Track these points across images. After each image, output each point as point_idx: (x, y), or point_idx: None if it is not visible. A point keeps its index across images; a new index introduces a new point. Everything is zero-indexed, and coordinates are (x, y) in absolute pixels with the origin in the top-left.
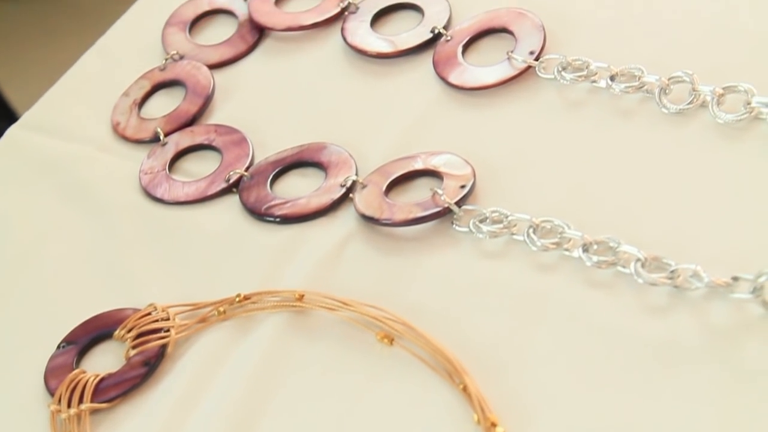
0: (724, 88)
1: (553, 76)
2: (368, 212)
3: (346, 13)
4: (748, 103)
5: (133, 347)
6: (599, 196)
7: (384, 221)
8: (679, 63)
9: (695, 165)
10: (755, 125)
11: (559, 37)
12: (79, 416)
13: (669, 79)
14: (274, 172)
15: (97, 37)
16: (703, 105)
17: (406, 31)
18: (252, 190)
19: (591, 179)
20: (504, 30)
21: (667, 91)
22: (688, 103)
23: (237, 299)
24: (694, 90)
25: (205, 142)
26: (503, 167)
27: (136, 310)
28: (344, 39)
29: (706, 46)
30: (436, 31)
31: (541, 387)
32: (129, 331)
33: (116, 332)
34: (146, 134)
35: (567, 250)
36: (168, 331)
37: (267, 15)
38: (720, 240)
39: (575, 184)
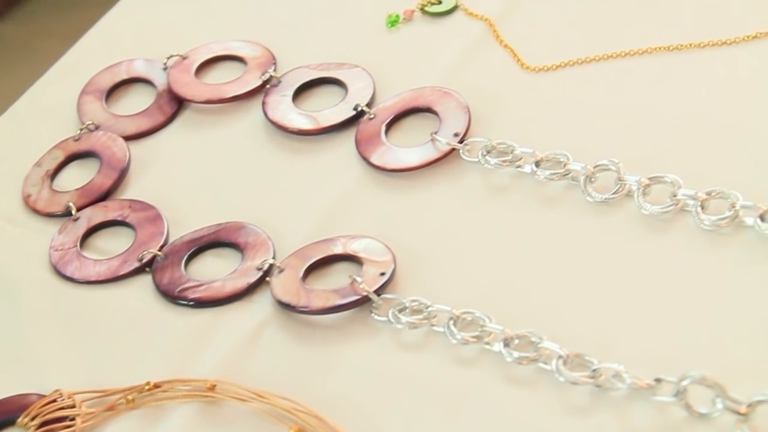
0: (650, 179)
1: (477, 160)
2: (285, 298)
3: (268, 86)
4: (674, 195)
5: None
6: (522, 287)
7: (301, 309)
8: (606, 151)
9: (620, 257)
10: (681, 217)
11: (485, 119)
12: None
13: (595, 167)
14: (189, 252)
15: (10, 102)
16: (629, 195)
17: (328, 107)
18: (166, 271)
19: (514, 269)
20: (428, 110)
21: (592, 179)
22: (614, 193)
23: (146, 387)
24: (619, 179)
25: (119, 219)
26: (425, 253)
27: (40, 396)
28: (265, 113)
29: (633, 134)
30: (359, 109)
31: None
32: (33, 419)
33: (19, 419)
34: (58, 208)
35: (488, 343)
36: (73, 419)
37: (186, 86)
38: (644, 337)
39: (498, 274)
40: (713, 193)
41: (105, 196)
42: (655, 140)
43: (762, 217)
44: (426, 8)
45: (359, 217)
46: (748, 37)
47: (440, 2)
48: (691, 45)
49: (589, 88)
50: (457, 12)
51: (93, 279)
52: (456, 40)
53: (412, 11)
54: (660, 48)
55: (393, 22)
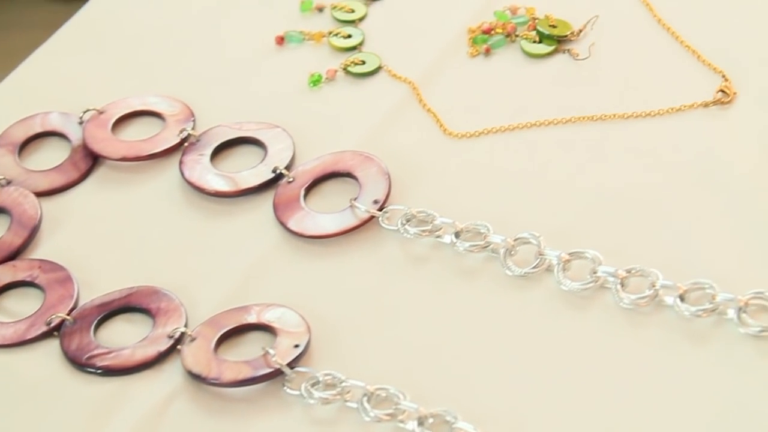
0: (570, 254)
1: (396, 228)
2: (196, 369)
3: (186, 144)
4: (594, 272)
5: None
6: (439, 362)
7: (212, 381)
8: (528, 222)
9: (538, 334)
10: (601, 295)
11: (406, 185)
12: None
13: (515, 240)
14: (99, 317)
15: None
16: (549, 269)
17: (247, 169)
18: (74, 336)
19: (432, 343)
20: (348, 174)
21: (512, 252)
22: (534, 267)
23: None
24: (540, 254)
25: (28, 279)
26: (341, 324)
27: None
28: (182, 173)
29: (555, 206)
30: (278, 171)
31: None
32: None
33: None
34: None
35: (401, 422)
36: None
37: (102, 142)
38: (561, 417)
39: (415, 347)
40: (633, 271)
41: (14, 255)
42: (577, 213)
43: (681, 298)
44: (349, 68)
45: (275, 284)
46: (671, 109)
47: (363, 63)
48: (614, 116)
49: (511, 156)
50: (381, 73)
51: None
52: (379, 103)
53: (335, 71)
54: (583, 118)
55: (315, 81)
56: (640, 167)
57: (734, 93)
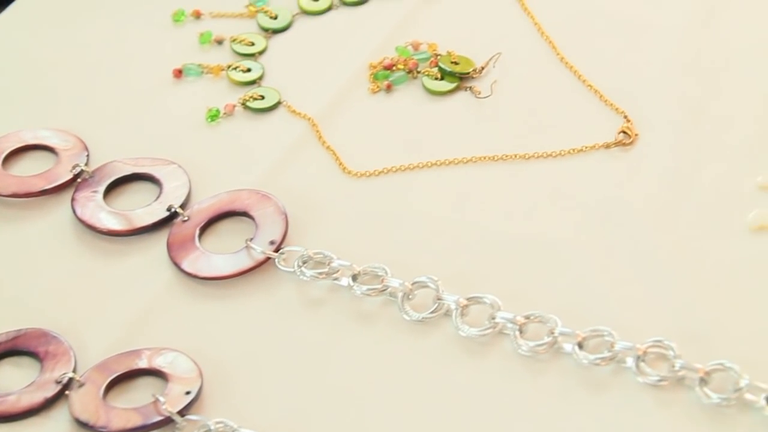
0: (468, 299)
1: (293, 270)
2: (83, 417)
3: (79, 179)
4: (493, 318)
5: None
6: (334, 408)
7: (100, 429)
8: (427, 264)
9: (435, 380)
10: (499, 341)
11: (304, 225)
12: None
13: (413, 284)
14: None
15: None
16: (447, 314)
17: (141, 207)
18: None
19: (326, 388)
20: (245, 214)
21: (410, 296)
22: (432, 312)
23: None
24: (438, 298)
25: None
26: (235, 369)
27: None
28: (74, 211)
29: (455, 248)
30: (173, 210)
31: None
32: None
33: None
34: None
35: None
36: None
37: None
38: None
39: (310, 393)
40: (532, 317)
41: None
42: (477, 255)
43: (580, 345)
44: (248, 103)
45: (168, 327)
46: (573, 150)
47: (262, 98)
48: (516, 156)
49: (411, 196)
50: (280, 109)
51: None
52: (277, 139)
53: (234, 106)
54: (484, 158)
55: (213, 116)
56: (541, 209)
57: (636, 134)
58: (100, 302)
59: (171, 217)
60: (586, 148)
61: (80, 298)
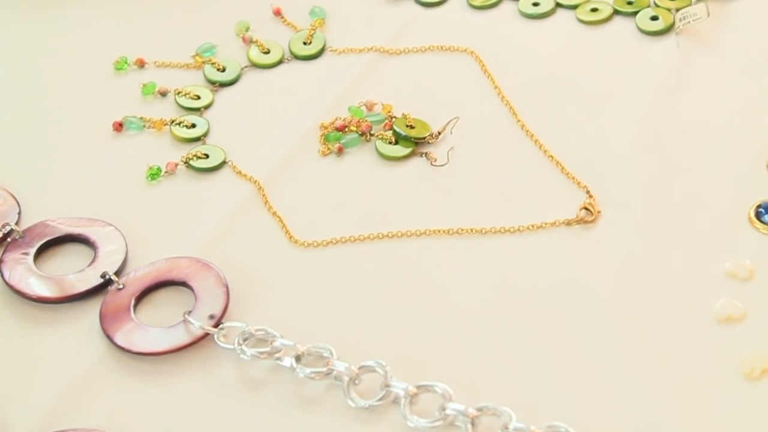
0: (418, 387)
1: (233, 347)
2: None
3: (8, 240)
4: (443, 409)
5: None
6: None
7: None
8: (375, 346)
9: None
10: None
11: (246, 297)
12: None
13: (360, 368)
14: None
15: None
16: (396, 402)
17: (74, 272)
18: None
19: None
20: (184, 284)
21: (356, 381)
22: (379, 399)
23: None
24: (386, 385)
25: None
26: None
27: None
28: (1, 275)
29: (406, 329)
30: (107, 277)
31: None
32: None
33: None
34: None
35: None
36: None
37: None
38: None
39: None
40: (485, 410)
41: None
42: (428, 337)
43: None
44: (191, 162)
45: (98, 405)
46: (533, 226)
47: (207, 156)
48: (472, 230)
49: (361, 270)
50: (225, 169)
51: None
52: (221, 202)
53: (176, 164)
54: (439, 231)
55: (154, 175)
56: (497, 289)
57: (598, 211)
58: (26, 376)
59: (105, 285)
60: (546, 224)
61: (4, 371)
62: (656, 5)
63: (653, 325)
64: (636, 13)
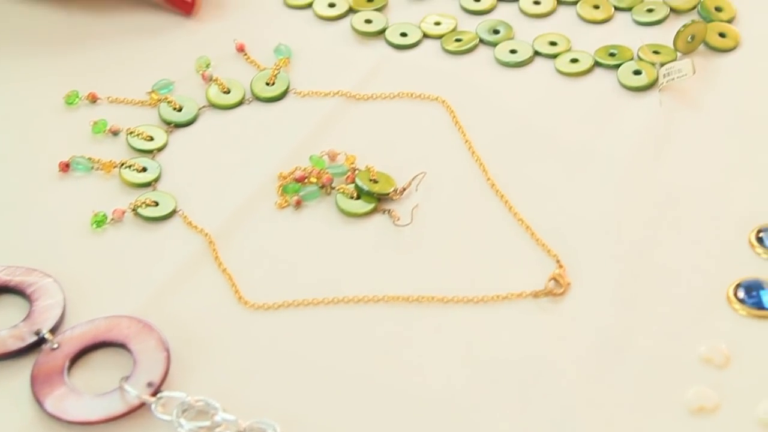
0: None
1: (171, 419)
2: None
3: None
4: None
5: None
6: None
7: None
8: (326, 422)
9: None
10: None
11: (189, 362)
12: None
13: None
14: None
15: None
16: None
17: (6, 328)
18: None
19: None
20: (123, 346)
21: None
22: None
23: None
24: None
25: None
26: None
27: None
28: None
29: (359, 405)
30: (41, 335)
31: None
32: None
33: None
34: None
35: None
36: None
37: None
38: None
39: None
40: None
41: None
42: (384, 415)
43: None
44: (139, 210)
45: None
46: (498, 297)
47: (156, 204)
48: (432, 298)
49: (314, 337)
50: (175, 219)
51: None
52: (169, 256)
53: (123, 212)
54: (398, 298)
55: (99, 222)
56: (459, 364)
57: (568, 283)
58: None
59: (39, 343)
60: (512, 295)
61: None
62: (640, 59)
63: (622, 411)
64: (618, 66)
